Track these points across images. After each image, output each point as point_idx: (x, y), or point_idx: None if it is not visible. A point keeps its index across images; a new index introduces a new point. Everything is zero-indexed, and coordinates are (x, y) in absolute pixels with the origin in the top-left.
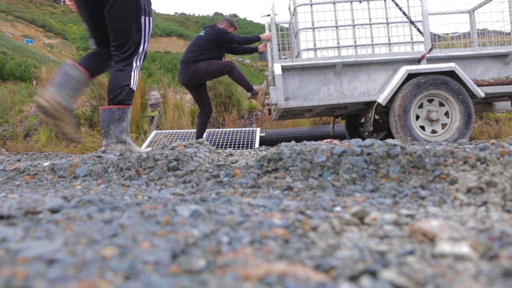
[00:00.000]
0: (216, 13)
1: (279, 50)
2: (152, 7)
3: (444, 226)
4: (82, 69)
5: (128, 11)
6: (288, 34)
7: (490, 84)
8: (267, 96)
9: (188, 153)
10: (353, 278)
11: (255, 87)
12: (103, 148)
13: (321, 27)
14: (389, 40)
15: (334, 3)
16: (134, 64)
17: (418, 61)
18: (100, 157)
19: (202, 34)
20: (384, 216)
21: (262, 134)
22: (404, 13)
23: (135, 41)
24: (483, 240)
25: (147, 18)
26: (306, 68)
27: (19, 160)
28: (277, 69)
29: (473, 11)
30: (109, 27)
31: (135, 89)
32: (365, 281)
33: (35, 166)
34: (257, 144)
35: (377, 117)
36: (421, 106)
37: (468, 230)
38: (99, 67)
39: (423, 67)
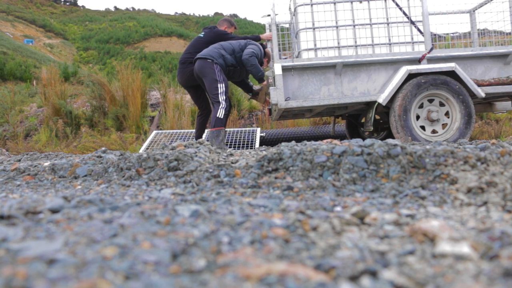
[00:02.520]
0: (216, 13)
1: (279, 50)
2: (153, 7)
3: (445, 226)
4: None
5: None
6: (289, 34)
7: (490, 84)
8: (267, 96)
9: (189, 153)
10: (354, 278)
11: (254, 87)
12: (103, 148)
13: (321, 27)
14: (389, 40)
15: (334, 3)
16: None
17: (418, 61)
18: (101, 157)
19: (202, 35)
20: (385, 216)
21: (262, 134)
22: (404, 13)
23: None
24: (483, 240)
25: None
26: (306, 68)
27: (19, 160)
28: (278, 69)
29: (474, 11)
30: None
31: None
32: (365, 281)
33: (35, 166)
34: (257, 144)
35: (377, 117)
36: (421, 106)
37: (468, 230)
38: None
39: (424, 67)
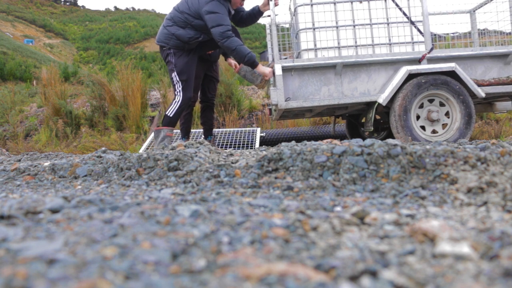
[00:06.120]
0: None
1: (279, 51)
2: (153, 7)
3: (445, 226)
4: None
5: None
6: (289, 35)
7: (490, 84)
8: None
9: (189, 153)
10: (354, 278)
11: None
12: (103, 148)
13: (321, 28)
14: (389, 40)
15: (334, 4)
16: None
17: (418, 61)
18: (101, 157)
19: None
20: (385, 216)
21: (262, 134)
22: (404, 13)
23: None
24: (483, 240)
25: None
26: (306, 68)
27: (19, 160)
28: (278, 70)
29: (474, 11)
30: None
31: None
32: (366, 281)
33: (35, 166)
34: (257, 144)
35: (378, 117)
36: (421, 106)
37: (468, 230)
38: None
39: (424, 67)
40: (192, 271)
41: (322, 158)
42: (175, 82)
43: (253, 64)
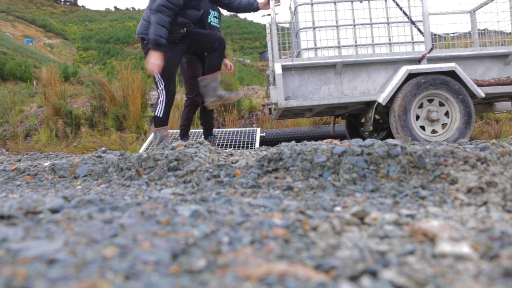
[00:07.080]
0: None
1: (279, 50)
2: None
3: (445, 226)
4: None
5: None
6: (289, 34)
7: (490, 84)
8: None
9: (189, 153)
10: (354, 278)
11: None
12: (103, 148)
13: (321, 27)
14: (389, 40)
15: (334, 3)
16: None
17: (418, 61)
18: (101, 157)
19: None
20: (385, 216)
21: (262, 134)
22: (404, 13)
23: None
24: (483, 240)
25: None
26: (306, 67)
27: (19, 160)
28: (278, 69)
29: (474, 11)
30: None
31: None
32: (366, 281)
33: (35, 166)
34: (257, 144)
35: (377, 117)
36: (421, 106)
37: (468, 230)
38: None
39: (424, 67)
40: (192, 271)
41: (322, 158)
42: (157, 80)
43: (152, 44)
